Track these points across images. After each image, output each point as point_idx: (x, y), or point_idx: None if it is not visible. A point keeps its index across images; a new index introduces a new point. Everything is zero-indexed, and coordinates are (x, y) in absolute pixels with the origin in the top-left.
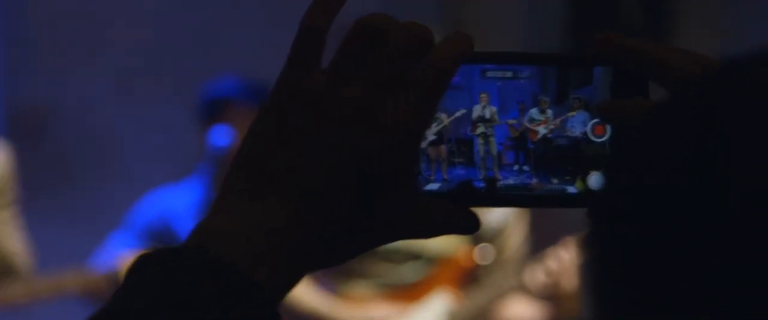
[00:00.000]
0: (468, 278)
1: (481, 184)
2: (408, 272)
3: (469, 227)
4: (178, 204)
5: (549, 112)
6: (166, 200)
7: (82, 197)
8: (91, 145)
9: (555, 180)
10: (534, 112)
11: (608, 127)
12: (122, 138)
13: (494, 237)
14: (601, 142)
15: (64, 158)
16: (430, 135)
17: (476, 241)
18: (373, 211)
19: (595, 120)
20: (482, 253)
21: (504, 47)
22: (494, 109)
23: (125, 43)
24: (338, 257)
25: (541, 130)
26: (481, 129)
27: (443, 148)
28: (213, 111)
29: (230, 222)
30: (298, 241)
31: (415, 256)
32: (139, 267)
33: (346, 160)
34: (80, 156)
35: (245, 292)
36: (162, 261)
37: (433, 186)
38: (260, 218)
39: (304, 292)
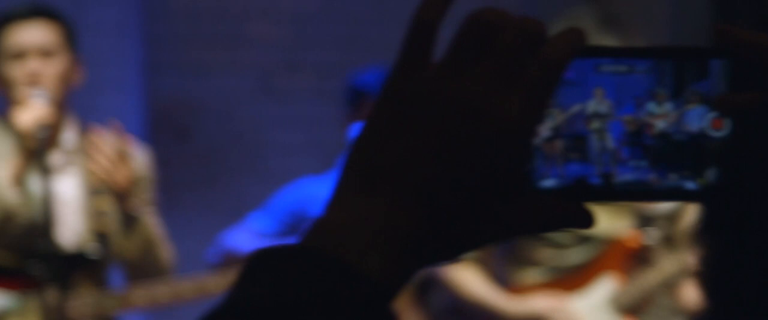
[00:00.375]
0: (635, 260)
1: (597, 180)
2: (575, 256)
3: (585, 223)
4: (318, 194)
5: (667, 105)
6: (307, 189)
7: (225, 194)
8: (233, 143)
9: (673, 175)
10: (651, 105)
11: (727, 121)
12: (264, 135)
13: (665, 220)
14: (720, 136)
15: (207, 156)
16: (545, 131)
17: (645, 223)
18: (486, 208)
19: (714, 114)
20: (649, 235)
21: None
22: (610, 103)
23: (266, 40)
24: (452, 253)
25: (659, 125)
26: (596, 124)
27: (558, 144)
28: (355, 104)
29: (344, 219)
30: (412, 238)
31: (582, 240)
32: (255, 263)
33: (458, 157)
34: (223, 153)
35: (358, 290)
36: (277, 258)
37: (549, 182)
38: (373, 215)
39: (474, 282)
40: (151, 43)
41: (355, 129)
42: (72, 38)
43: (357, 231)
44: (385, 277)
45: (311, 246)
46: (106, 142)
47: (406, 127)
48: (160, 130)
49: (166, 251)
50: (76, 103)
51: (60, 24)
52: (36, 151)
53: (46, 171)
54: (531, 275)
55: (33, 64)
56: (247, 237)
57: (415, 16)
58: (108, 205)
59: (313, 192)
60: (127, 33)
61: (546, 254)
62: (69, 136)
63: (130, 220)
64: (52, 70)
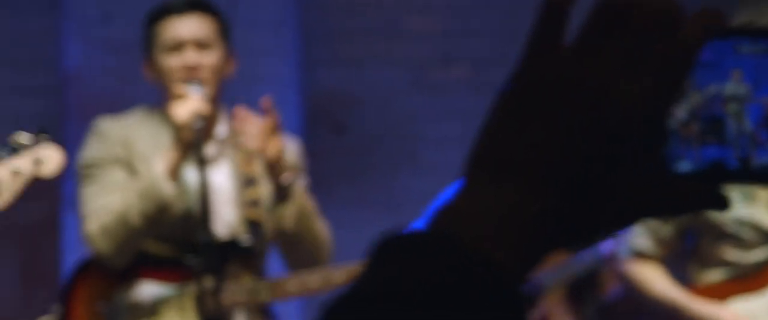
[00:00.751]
0: None
1: (735, 163)
2: (759, 254)
3: (720, 206)
4: None
5: None
6: None
7: (380, 187)
8: (389, 135)
9: None
10: None
11: None
12: (419, 127)
13: None
14: None
15: (362, 148)
16: (681, 113)
17: None
18: (619, 192)
19: None
20: None
21: None
22: (748, 85)
23: (422, 33)
24: (583, 238)
25: None
26: (733, 107)
27: (694, 126)
28: None
29: (472, 205)
30: (542, 224)
31: (766, 239)
32: (384, 249)
33: (590, 140)
34: (378, 146)
35: (487, 275)
36: (406, 244)
37: (684, 165)
38: (502, 201)
39: (659, 280)
40: (308, 37)
41: None
42: (226, 31)
43: (486, 217)
44: (514, 263)
45: (440, 231)
46: (256, 117)
47: (536, 111)
48: (316, 123)
49: (322, 224)
50: (232, 97)
51: (215, 17)
52: (192, 143)
53: (202, 162)
54: (712, 274)
55: (190, 56)
56: None
57: (545, 0)
58: (260, 195)
59: None
60: (283, 27)
61: (729, 253)
62: (222, 128)
63: (283, 191)
64: (208, 61)
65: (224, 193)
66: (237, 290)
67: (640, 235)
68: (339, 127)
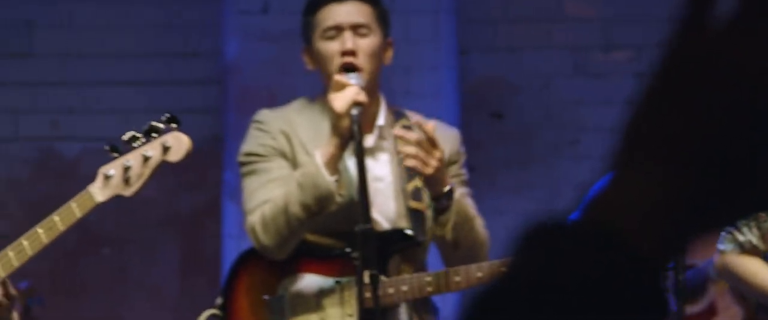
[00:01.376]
0: None
1: None
2: None
3: None
4: None
5: None
6: None
7: (540, 174)
8: (548, 122)
9: None
10: None
11: None
12: (580, 114)
13: None
14: None
15: (521, 135)
16: None
17: None
18: (763, 174)
19: None
20: None
21: None
22: None
23: (582, 18)
24: (724, 222)
25: None
26: None
27: None
28: None
29: (622, 193)
30: (687, 210)
31: None
32: (533, 238)
33: (739, 123)
34: (538, 133)
35: (635, 264)
36: (555, 234)
37: None
38: (648, 190)
39: (761, 267)
40: (464, 23)
41: None
42: (385, 17)
43: (634, 206)
44: (660, 251)
45: (587, 223)
46: (416, 132)
47: (684, 92)
48: (474, 110)
49: (480, 226)
50: (391, 85)
51: (373, 3)
52: (351, 133)
53: (361, 152)
54: None
55: (348, 40)
56: None
57: None
58: (421, 183)
59: None
60: (440, 14)
61: None
62: (381, 116)
63: (441, 201)
64: (366, 46)
65: (385, 184)
66: (400, 283)
67: (745, 229)
68: (497, 114)
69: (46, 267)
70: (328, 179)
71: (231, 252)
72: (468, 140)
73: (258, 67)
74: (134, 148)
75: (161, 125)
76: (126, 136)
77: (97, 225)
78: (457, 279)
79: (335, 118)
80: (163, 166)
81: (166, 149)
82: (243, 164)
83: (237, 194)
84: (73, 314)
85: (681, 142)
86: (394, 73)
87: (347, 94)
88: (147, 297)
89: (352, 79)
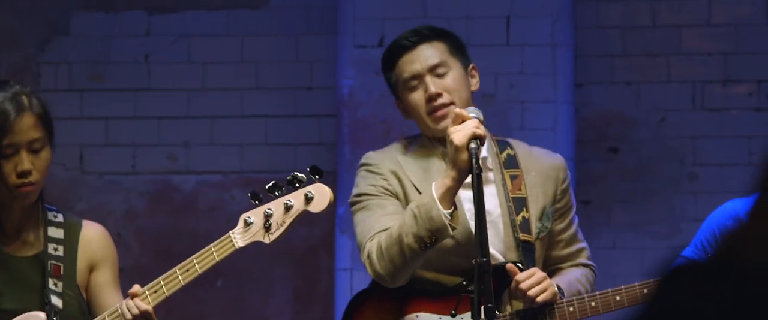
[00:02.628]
0: None
1: None
2: None
3: None
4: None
5: None
6: (738, 209)
7: (658, 209)
8: (666, 156)
9: None
10: None
11: None
12: (698, 148)
13: None
14: None
15: (638, 169)
16: None
17: None
18: None
19: None
20: None
21: None
22: None
23: (701, 52)
24: None
25: None
26: None
27: None
28: None
29: (758, 232)
30: None
31: None
32: (671, 278)
33: None
34: (655, 167)
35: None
36: (690, 274)
37: None
38: None
39: None
40: (582, 57)
41: None
42: (457, 47)
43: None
44: None
45: (722, 260)
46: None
47: None
48: (590, 144)
49: (588, 282)
50: (507, 119)
51: (442, 37)
52: (468, 167)
53: (480, 185)
54: None
55: (430, 86)
56: None
57: None
58: (531, 215)
59: (740, 211)
60: (558, 48)
61: None
62: (483, 148)
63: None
64: (449, 84)
65: (494, 216)
66: (514, 317)
67: None
68: (613, 148)
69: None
70: (443, 212)
71: (344, 286)
72: (584, 174)
73: (373, 100)
74: (276, 196)
75: (304, 176)
76: (268, 185)
77: None
78: (573, 309)
79: (454, 151)
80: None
81: (308, 199)
82: (354, 203)
83: (350, 228)
84: None
85: None
86: (510, 106)
87: (466, 127)
88: None
89: (472, 113)
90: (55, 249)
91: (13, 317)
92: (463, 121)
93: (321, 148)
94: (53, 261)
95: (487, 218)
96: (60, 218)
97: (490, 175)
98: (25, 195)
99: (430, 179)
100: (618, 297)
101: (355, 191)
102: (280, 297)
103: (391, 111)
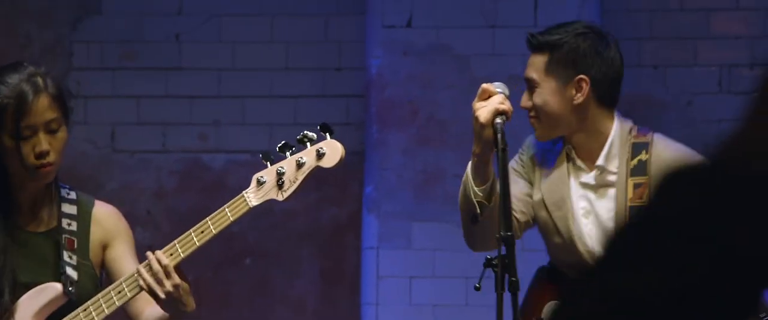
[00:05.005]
0: None
1: None
2: None
3: None
4: None
5: None
6: None
7: None
8: (692, 138)
9: None
10: None
11: None
12: (724, 130)
13: None
14: None
15: None
16: None
17: None
18: None
19: None
20: None
21: None
22: None
23: (728, 35)
24: None
25: None
26: None
27: None
28: None
29: (750, 135)
30: None
31: None
32: (671, 178)
33: None
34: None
35: (757, 197)
36: (687, 174)
37: None
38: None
39: None
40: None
41: None
42: (561, 62)
43: (761, 144)
44: None
45: (715, 160)
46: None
47: None
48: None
49: None
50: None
51: (549, 53)
52: (493, 142)
53: (505, 161)
54: None
55: (523, 98)
56: None
57: None
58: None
59: None
60: None
61: None
62: (602, 156)
63: None
64: (536, 102)
65: (603, 221)
66: None
67: None
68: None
69: (191, 278)
70: (474, 189)
71: (370, 265)
72: None
73: (400, 80)
74: (287, 156)
75: (314, 134)
76: (279, 145)
77: (241, 238)
78: None
79: (479, 127)
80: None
81: (320, 155)
82: None
83: (377, 207)
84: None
85: None
86: None
87: (491, 103)
88: (289, 308)
89: (498, 88)
90: (69, 224)
91: (30, 289)
92: (489, 96)
93: (349, 127)
94: (67, 236)
95: (598, 222)
96: (73, 195)
97: (612, 178)
98: (44, 176)
99: (552, 178)
100: None
101: None
102: (306, 276)
103: (418, 91)
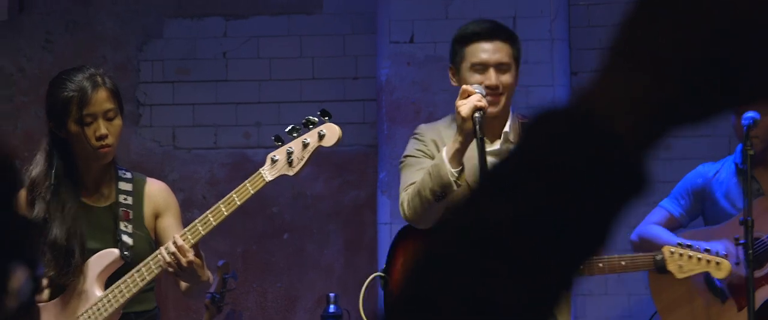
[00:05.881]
0: None
1: None
2: None
3: None
4: (717, 177)
5: None
6: (704, 172)
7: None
8: None
9: None
10: None
11: None
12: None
13: None
14: None
15: None
16: None
17: None
18: (735, 81)
19: None
20: None
21: None
22: None
23: None
24: (701, 119)
25: None
26: None
27: None
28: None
29: (606, 89)
30: (664, 107)
31: None
32: (533, 123)
33: (714, 39)
34: None
35: (609, 144)
36: (547, 120)
37: None
38: (632, 86)
39: None
40: (576, 50)
41: (744, 117)
42: (519, 56)
43: (619, 98)
44: (639, 137)
45: (575, 109)
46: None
47: (669, 8)
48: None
49: None
50: (515, 100)
51: (514, 44)
52: (474, 132)
53: (483, 147)
54: None
55: (491, 77)
56: (656, 223)
57: None
58: None
59: (711, 175)
60: (556, 42)
61: None
62: (508, 125)
63: None
64: (505, 81)
65: None
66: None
67: None
68: None
69: (239, 250)
70: (450, 170)
71: (385, 237)
72: None
73: (405, 86)
74: (294, 137)
75: (316, 118)
76: (287, 129)
77: (280, 217)
78: (603, 264)
79: (461, 120)
80: (331, 169)
81: (321, 137)
82: (401, 162)
83: (390, 190)
84: (262, 287)
85: (665, 49)
86: (517, 90)
87: (470, 101)
88: (319, 273)
89: (477, 89)
90: (125, 199)
91: (94, 254)
92: (468, 95)
93: (364, 126)
94: (123, 209)
95: None
96: (129, 175)
97: (511, 147)
98: (104, 156)
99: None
100: (644, 259)
101: (404, 153)
102: (333, 247)
103: (420, 94)
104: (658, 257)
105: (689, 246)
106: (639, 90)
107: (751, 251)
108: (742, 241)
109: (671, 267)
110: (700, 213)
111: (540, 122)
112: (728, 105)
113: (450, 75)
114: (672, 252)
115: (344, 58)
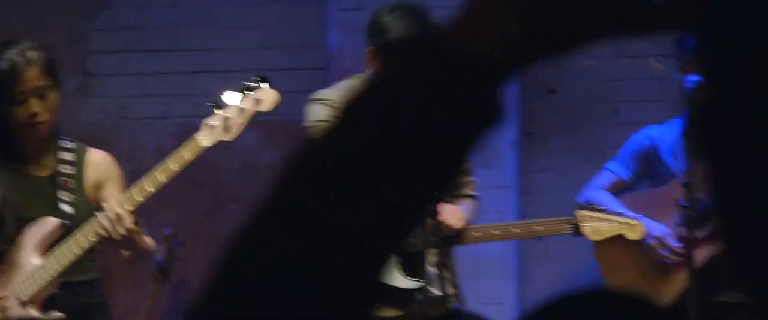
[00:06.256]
0: None
1: None
2: None
3: (691, 25)
4: (663, 138)
5: None
6: (651, 135)
7: (586, 140)
8: (592, 95)
9: None
10: None
11: None
12: (618, 88)
13: None
14: None
15: (570, 106)
16: None
17: None
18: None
19: None
20: None
21: None
22: None
23: None
24: (565, 47)
25: None
26: None
27: None
28: (687, 61)
29: (463, 16)
30: (531, 31)
31: None
32: (398, 48)
33: None
34: (583, 104)
35: (469, 68)
36: (410, 47)
37: None
38: (492, 13)
39: None
40: None
41: (689, 81)
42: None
43: (475, 24)
44: (506, 65)
45: (434, 35)
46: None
47: None
48: (532, 87)
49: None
50: None
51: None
52: None
53: None
54: None
55: None
56: (603, 186)
57: None
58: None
59: (657, 137)
60: None
61: None
62: None
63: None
64: None
65: None
66: (426, 233)
67: None
68: (550, 89)
69: (187, 220)
70: None
71: None
72: (526, 111)
73: (355, 55)
74: (230, 105)
75: (253, 83)
76: (224, 94)
77: (226, 187)
78: (499, 232)
79: None
80: (280, 137)
81: (258, 102)
82: (310, 129)
83: None
84: (210, 257)
85: None
86: None
87: None
88: None
89: None
90: (66, 169)
91: (31, 223)
92: None
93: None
94: (64, 178)
95: None
96: (71, 145)
97: None
98: (39, 131)
99: None
100: (539, 226)
101: (314, 119)
102: None
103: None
104: (573, 221)
105: (602, 209)
106: (503, 18)
107: (693, 211)
108: (682, 203)
109: (586, 230)
110: (646, 175)
111: (401, 48)
112: (599, 35)
113: (368, 56)
114: (585, 216)
115: (294, 27)
